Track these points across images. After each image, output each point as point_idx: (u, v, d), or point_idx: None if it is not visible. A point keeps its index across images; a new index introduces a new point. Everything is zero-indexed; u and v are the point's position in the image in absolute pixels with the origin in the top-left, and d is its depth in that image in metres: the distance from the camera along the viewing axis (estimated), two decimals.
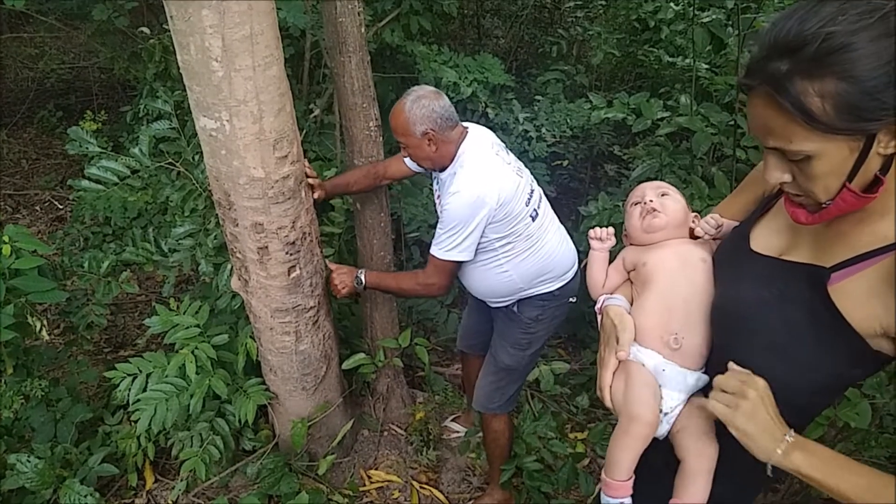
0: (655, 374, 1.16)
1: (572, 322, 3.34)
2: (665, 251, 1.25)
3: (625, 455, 1.15)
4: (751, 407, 0.93)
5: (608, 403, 1.20)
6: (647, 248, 1.28)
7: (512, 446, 2.40)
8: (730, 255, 1.16)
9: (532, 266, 2.04)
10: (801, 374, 0.97)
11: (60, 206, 4.63)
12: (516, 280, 2.05)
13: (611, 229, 1.39)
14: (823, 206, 0.88)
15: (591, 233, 1.38)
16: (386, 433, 2.78)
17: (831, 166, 0.83)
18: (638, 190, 1.38)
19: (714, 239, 1.26)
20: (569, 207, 3.91)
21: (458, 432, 2.83)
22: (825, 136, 0.80)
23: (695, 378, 1.15)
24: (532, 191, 2.04)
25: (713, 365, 1.14)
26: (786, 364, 0.97)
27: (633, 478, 1.17)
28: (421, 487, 2.58)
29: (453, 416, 2.92)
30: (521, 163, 2.11)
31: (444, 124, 1.92)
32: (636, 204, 1.34)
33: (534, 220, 2.01)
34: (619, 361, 1.18)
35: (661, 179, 2.73)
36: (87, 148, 2.27)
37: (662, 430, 1.16)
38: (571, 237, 2.25)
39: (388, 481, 2.59)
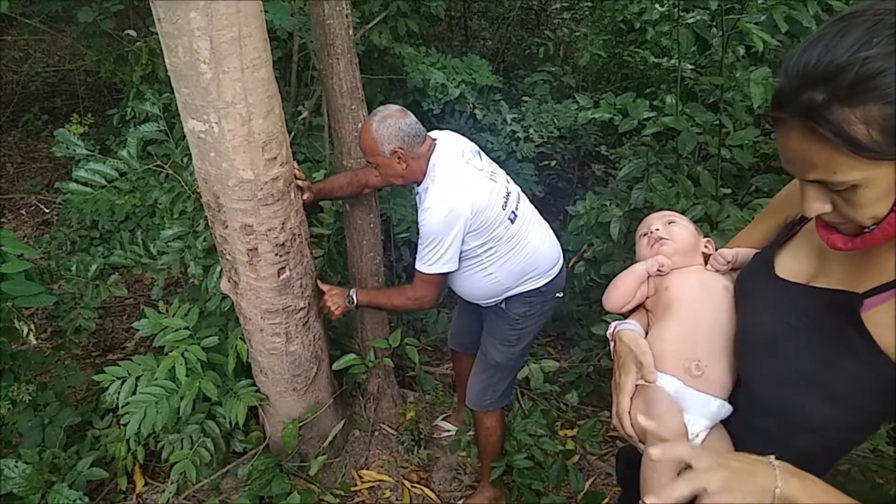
0: (677, 398, 1.11)
1: (561, 321, 3.36)
2: (687, 277, 1.23)
3: (663, 477, 1.08)
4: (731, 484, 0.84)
5: (628, 431, 1.13)
6: (668, 274, 1.26)
7: (503, 444, 2.42)
8: (753, 282, 1.11)
9: (516, 266, 2.06)
10: (831, 406, 0.93)
11: (47, 210, 4.60)
12: (502, 281, 2.07)
13: (668, 262, 1.26)
14: (865, 231, 0.84)
15: (662, 259, 1.27)
16: (377, 433, 2.79)
17: (878, 192, 0.79)
18: (645, 221, 1.37)
19: (733, 269, 1.22)
20: (557, 207, 3.94)
21: (448, 431, 2.84)
22: (873, 163, 0.76)
23: (717, 405, 1.10)
24: (508, 193, 2.06)
25: (738, 397, 1.10)
26: (815, 396, 0.93)
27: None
28: (412, 486, 2.59)
29: (444, 416, 2.93)
30: (496, 165, 2.14)
31: (412, 141, 1.94)
32: (644, 235, 1.33)
33: (513, 222, 2.04)
34: (637, 387, 1.12)
35: (647, 178, 2.77)
36: (74, 150, 2.26)
37: None
38: (559, 237, 2.27)
39: (380, 481, 2.59)
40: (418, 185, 2.06)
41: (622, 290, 1.28)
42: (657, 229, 1.30)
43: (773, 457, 0.87)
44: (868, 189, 0.79)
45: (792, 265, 1.03)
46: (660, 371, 1.13)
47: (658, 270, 1.25)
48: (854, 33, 0.73)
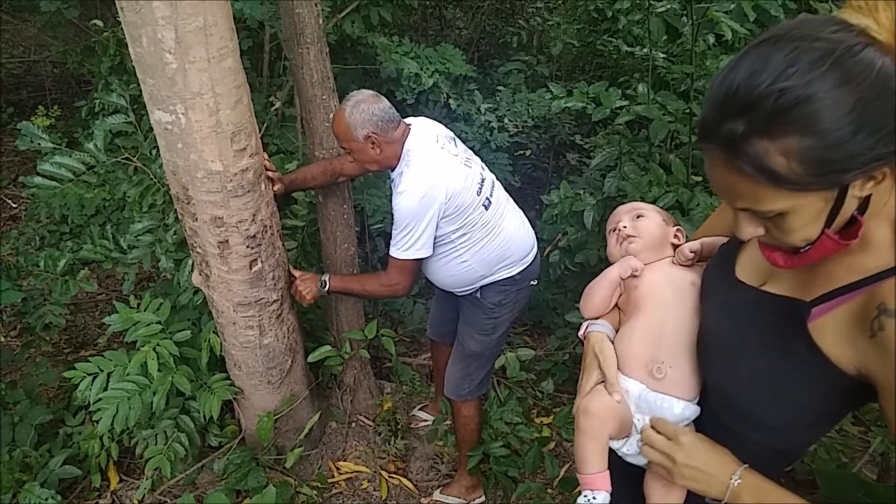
0: (640, 402, 1.12)
1: (537, 309, 3.38)
2: (656, 276, 1.22)
3: (585, 450, 1.13)
4: (681, 469, 0.97)
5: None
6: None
7: (481, 432, 2.44)
8: (716, 282, 1.11)
9: (491, 253, 2.07)
10: (788, 410, 0.94)
11: (14, 205, 4.50)
12: (476, 268, 2.08)
13: (641, 266, 1.26)
14: (801, 250, 0.85)
15: (634, 261, 1.25)
16: (354, 424, 2.79)
17: (806, 219, 0.79)
18: (614, 216, 1.35)
19: (701, 260, 1.23)
20: (532, 197, 3.94)
21: (425, 421, 2.85)
22: (796, 194, 0.76)
23: (681, 407, 1.11)
24: (483, 179, 2.06)
25: (706, 396, 1.11)
26: (773, 400, 0.94)
27: (608, 471, 1.13)
28: (389, 477, 2.60)
29: (421, 406, 2.94)
30: (471, 152, 2.13)
31: (386, 126, 1.93)
32: (613, 231, 1.32)
33: (487, 208, 2.04)
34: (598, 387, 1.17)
35: (620, 167, 2.79)
36: (38, 143, 2.22)
37: (644, 460, 1.14)
38: (534, 226, 2.28)
39: (357, 472, 2.60)
40: (393, 170, 2.04)
41: (598, 297, 1.28)
42: (624, 226, 1.29)
43: (739, 472, 0.94)
44: (795, 217, 0.79)
45: (749, 266, 1.03)
46: (625, 374, 1.15)
47: (632, 274, 1.25)
48: (775, 60, 0.72)
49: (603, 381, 1.16)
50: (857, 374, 0.84)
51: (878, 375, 0.80)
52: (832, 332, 0.85)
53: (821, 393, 0.89)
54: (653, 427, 1.05)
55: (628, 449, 1.17)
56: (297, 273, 2.15)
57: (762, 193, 0.77)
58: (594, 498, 1.11)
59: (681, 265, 1.23)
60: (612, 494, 1.12)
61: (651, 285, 1.21)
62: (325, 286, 2.12)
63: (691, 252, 1.22)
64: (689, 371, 1.12)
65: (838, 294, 0.85)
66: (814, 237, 0.82)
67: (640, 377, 1.14)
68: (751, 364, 0.96)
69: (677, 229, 1.31)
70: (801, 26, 0.73)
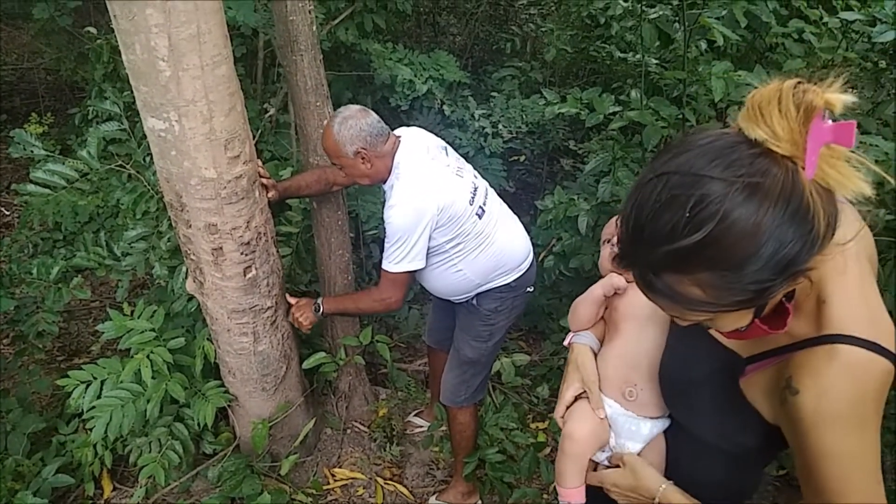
0: (612, 421, 1.18)
1: (532, 315, 3.38)
2: (634, 298, 1.23)
3: (565, 469, 1.20)
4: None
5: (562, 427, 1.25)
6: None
7: (476, 438, 2.43)
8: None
9: (486, 262, 2.07)
10: (736, 443, 1.01)
11: (7, 213, 4.48)
12: (472, 277, 2.08)
13: (624, 284, 1.28)
14: (739, 331, 0.88)
15: (617, 279, 1.26)
16: (349, 431, 2.78)
17: (734, 321, 0.83)
18: (609, 227, 1.38)
19: None
20: (527, 202, 3.95)
21: (421, 427, 2.85)
22: (716, 312, 0.79)
23: (649, 426, 1.17)
24: (476, 188, 2.06)
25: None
26: (721, 435, 1.02)
27: (584, 486, 1.22)
28: (385, 483, 2.59)
29: (416, 412, 2.94)
30: (464, 161, 2.14)
31: (375, 140, 1.94)
32: (608, 242, 1.34)
33: (480, 217, 2.04)
34: (577, 400, 1.22)
35: (613, 172, 2.80)
36: (31, 151, 2.21)
37: None
38: (529, 231, 2.29)
39: (352, 478, 2.59)
40: (384, 183, 2.05)
41: (584, 314, 1.31)
42: None
43: (664, 486, 1.05)
44: (723, 320, 0.83)
45: None
46: (602, 392, 1.21)
47: (616, 293, 1.27)
48: (677, 203, 0.71)
49: (584, 395, 1.21)
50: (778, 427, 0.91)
51: (786, 434, 0.87)
52: (758, 389, 0.92)
53: (757, 438, 0.97)
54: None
55: (607, 461, 1.22)
56: (292, 300, 2.17)
57: (683, 312, 0.80)
58: None
59: None
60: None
61: (630, 307, 1.24)
62: (319, 310, 2.13)
63: None
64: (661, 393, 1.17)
65: (770, 356, 0.90)
66: (745, 324, 0.84)
67: (615, 397, 1.19)
68: (701, 404, 1.03)
69: None
70: (702, 156, 0.73)
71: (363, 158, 1.95)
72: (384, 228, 1.99)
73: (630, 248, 0.78)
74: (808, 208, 0.69)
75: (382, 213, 3.10)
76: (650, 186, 0.75)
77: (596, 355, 1.25)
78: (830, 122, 0.69)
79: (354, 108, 1.97)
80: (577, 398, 1.22)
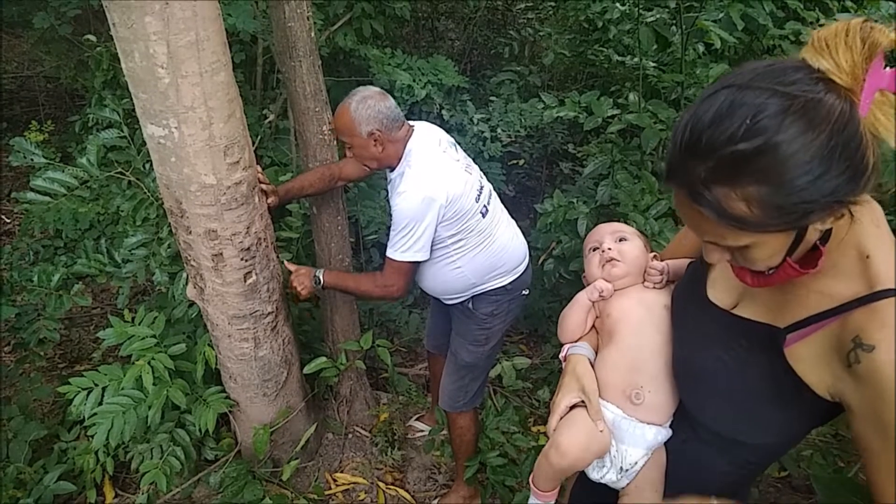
0: (614, 427, 1.14)
1: (532, 318, 3.39)
2: (628, 301, 1.23)
3: (545, 474, 1.18)
4: None
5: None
6: (610, 298, 1.26)
7: (477, 442, 2.43)
8: (686, 302, 1.13)
9: (484, 261, 2.07)
10: (765, 434, 0.97)
11: (8, 220, 4.50)
12: (468, 276, 2.08)
13: (609, 287, 1.28)
14: (767, 274, 0.88)
15: (602, 284, 1.27)
16: (350, 435, 2.78)
17: (769, 252, 0.83)
18: (595, 234, 1.36)
19: (670, 282, 1.25)
20: (526, 206, 3.96)
21: (422, 431, 2.85)
22: (757, 234, 0.79)
23: (654, 432, 1.13)
24: (482, 187, 2.07)
25: (680, 418, 1.14)
26: (750, 423, 0.97)
27: (557, 490, 1.21)
28: (387, 488, 2.59)
29: (417, 416, 2.94)
30: (471, 160, 2.14)
31: (391, 124, 1.93)
32: (594, 250, 1.32)
33: (484, 216, 2.04)
34: (570, 409, 1.17)
35: (612, 175, 2.81)
36: (31, 159, 2.22)
37: (621, 484, 1.17)
38: (528, 234, 2.29)
39: (354, 483, 2.59)
40: (392, 170, 2.04)
41: (572, 322, 1.30)
42: (609, 248, 1.29)
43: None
44: (758, 249, 0.82)
45: (721, 286, 1.05)
46: (603, 399, 1.17)
47: (600, 296, 1.26)
48: (737, 110, 0.73)
49: (580, 404, 1.17)
50: (830, 398, 0.86)
51: (852, 402, 0.82)
52: (806, 358, 0.88)
53: (795, 414, 0.92)
54: None
55: (606, 480, 1.18)
56: (291, 267, 2.14)
57: (724, 232, 0.80)
58: None
59: (653, 287, 1.24)
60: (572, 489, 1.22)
61: (624, 311, 1.22)
62: (319, 282, 2.11)
63: (660, 272, 1.23)
64: (669, 394, 1.13)
65: (812, 321, 0.87)
66: (776, 264, 0.85)
67: (618, 402, 1.16)
68: (729, 390, 0.98)
69: (653, 255, 1.31)
70: (765, 74, 0.75)
71: (376, 140, 1.94)
72: (385, 232, 1.99)
73: (681, 162, 0.79)
74: (860, 140, 0.72)
75: (382, 217, 3.13)
76: (710, 100, 0.76)
77: (592, 366, 1.22)
78: (889, 70, 0.72)
79: (374, 89, 1.96)
80: (571, 409, 1.18)
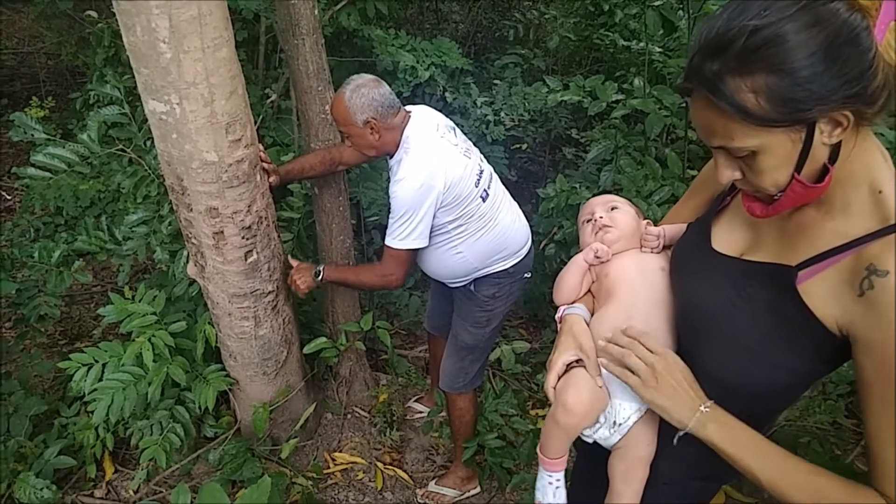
0: (608, 382, 1.14)
1: (532, 302, 3.39)
2: (625, 261, 1.25)
3: (554, 439, 1.17)
4: (659, 377, 0.98)
5: (552, 399, 1.18)
6: (608, 261, 1.27)
7: (476, 424, 2.45)
8: (691, 254, 1.13)
9: (486, 245, 2.06)
10: (774, 375, 0.96)
11: (9, 197, 4.49)
12: (471, 260, 2.08)
13: (606, 249, 1.28)
14: (776, 198, 0.89)
15: (598, 245, 1.27)
16: (349, 416, 2.79)
17: (777, 160, 0.84)
18: (587, 206, 1.37)
19: (666, 248, 1.26)
20: (529, 190, 3.95)
21: (421, 412, 2.86)
22: (765, 130, 0.81)
23: None
24: (482, 171, 2.06)
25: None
26: (759, 367, 0.97)
27: (566, 458, 1.20)
28: (385, 468, 2.61)
29: (416, 397, 2.95)
30: (471, 143, 2.13)
31: (386, 112, 1.92)
32: (587, 221, 1.34)
33: (484, 200, 2.04)
34: (567, 368, 1.16)
35: (616, 161, 2.80)
36: (32, 135, 2.21)
37: (613, 440, 1.16)
38: (530, 219, 2.28)
39: (353, 463, 2.61)
40: (391, 157, 2.03)
41: (568, 283, 1.30)
42: (601, 217, 1.31)
43: (709, 403, 0.97)
44: (766, 156, 0.84)
45: (727, 237, 1.06)
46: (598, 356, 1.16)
47: (596, 257, 1.27)
48: (750, 7, 0.77)
49: (577, 362, 1.16)
50: (839, 334, 0.87)
51: (859, 332, 0.84)
52: (819, 294, 0.89)
53: (807, 355, 0.93)
54: (638, 340, 1.04)
55: (598, 436, 1.18)
56: (292, 262, 2.16)
57: (734, 128, 0.82)
58: (557, 479, 1.20)
59: (650, 251, 1.27)
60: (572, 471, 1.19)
61: (621, 271, 1.24)
62: (319, 276, 2.12)
63: (656, 237, 1.25)
64: (666, 348, 1.12)
65: (825, 257, 0.88)
66: (783, 181, 0.86)
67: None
68: (740, 333, 0.98)
69: (647, 222, 1.34)
70: None
71: (372, 129, 1.93)
72: (387, 214, 1.98)
73: (699, 63, 0.82)
74: (869, 50, 0.75)
75: (384, 199, 3.12)
76: (728, 6, 0.81)
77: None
78: None
79: (368, 77, 1.94)
80: (568, 368, 1.17)
